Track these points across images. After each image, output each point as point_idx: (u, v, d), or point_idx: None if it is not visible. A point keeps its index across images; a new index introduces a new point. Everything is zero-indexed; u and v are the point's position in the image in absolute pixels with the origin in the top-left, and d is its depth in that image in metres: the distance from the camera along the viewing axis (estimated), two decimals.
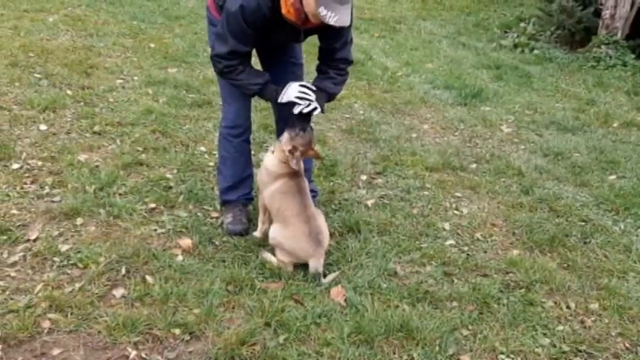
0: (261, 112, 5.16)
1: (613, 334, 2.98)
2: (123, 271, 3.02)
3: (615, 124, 6.00)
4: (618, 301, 3.21)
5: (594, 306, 3.16)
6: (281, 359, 2.58)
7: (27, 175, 3.80)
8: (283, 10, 2.92)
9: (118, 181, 3.84)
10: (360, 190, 4.20)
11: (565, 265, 3.53)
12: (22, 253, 3.07)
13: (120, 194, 3.71)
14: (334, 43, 3.20)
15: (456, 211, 4.03)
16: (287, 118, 3.30)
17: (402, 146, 4.99)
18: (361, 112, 5.75)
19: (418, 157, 4.79)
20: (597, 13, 8.90)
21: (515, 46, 8.95)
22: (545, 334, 2.92)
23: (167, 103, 5.25)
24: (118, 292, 2.88)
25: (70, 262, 3.04)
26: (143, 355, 2.54)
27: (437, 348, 2.73)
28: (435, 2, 12.15)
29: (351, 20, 2.97)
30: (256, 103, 5.23)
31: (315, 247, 3.10)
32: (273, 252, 3.23)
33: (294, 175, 3.23)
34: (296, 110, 3.14)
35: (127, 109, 4.99)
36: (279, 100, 3.18)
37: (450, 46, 8.85)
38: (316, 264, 3.11)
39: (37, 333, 2.58)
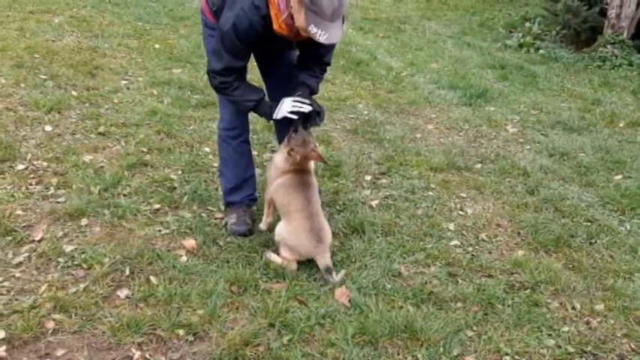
0: None
1: (618, 335, 2.97)
2: (127, 271, 3.03)
3: (621, 124, 5.97)
4: (624, 302, 3.19)
5: (600, 307, 3.15)
6: None
7: (32, 175, 3.81)
8: (275, 26, 2.93)
9: (123, 181, 3.85)
10: (365, 190, 4.20)
11: (570, 265, 3.52)
12: (26, 254, 3.08)
13: (124, 195, 3.72)
14: (322, 50, 3.21)
15: (460, 212, 4.02)
16: (283, 128, 3.36)
17: (407, 146, 4.98)
18: (365, 112, 5.74)
19: (423, 158, 4.78)
20: (603, 13, 8.86)
21: (521, 45, 8.92)
22: (550, 335, 2.91)
23: (172, 103, 5.26)
24: (122, 292, 2.88)
25: (75, 262, 3.05)
26: (147, 356, 2.54)
27: (441, 349, 2.72)
28: (439, 2, 12.13)
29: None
30: None
31: (317, 243, 3.10)
32: (277, 252, 3.23)
33: (300, 171, 3.24)
34: (294, 116, 3.18)
35: (132, 110, 5.00)
36: (274, 117, 3.20)
37: (455, 46, 8.83)
38: (323, 260, 3.11)
39: (42, 333, 2.58)
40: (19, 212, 3.41)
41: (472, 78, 7.12)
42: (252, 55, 3.32)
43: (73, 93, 5.16)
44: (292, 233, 3.15)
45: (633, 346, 2.90)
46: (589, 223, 4.00)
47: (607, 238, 3.81)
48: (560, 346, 2.84)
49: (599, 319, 3.06)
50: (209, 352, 2.60)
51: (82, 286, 2.88)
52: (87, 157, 4.12)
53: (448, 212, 4.00)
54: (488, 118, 5.88)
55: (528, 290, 3.23)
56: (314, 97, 3.31)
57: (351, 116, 5.60)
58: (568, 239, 3.75)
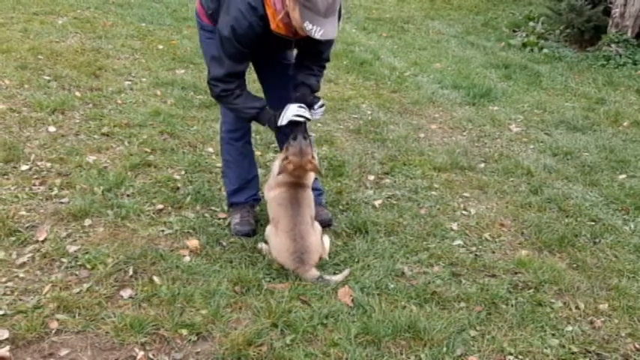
0: None
1: (623, 334, 2.95)
2: (130, 271, 3.03)
3: (625, 123, 5.95)
4: (628, 301, 3.17)
5: (604, 306, 3.14)
6: None
7: (36, 176, 3.82)
8: (272, 26, 2.94)
9: (126, 182, 3.85)
10: (368, 190, 4.19)
11: (574, 265, 3.51)
12: (30, 254, 3.09)
13: (128, 195, 3.73)
14: (321, 47, 3.21)
15: (464, 211, 4.02)
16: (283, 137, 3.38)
17: (410, 146, 4.98)
18: (369, 112, 5.74)
19: (426, 157, 4.77)
20: (607, 12, 8.84)
21: (524, 45, 8.90)
22: (553, 335, 2.90)
23: (175, 104, 5.27)
24: (126, 292, 2.89)
25: (78, 263, 3.06)
26: (150, 356, 2.55)
27: (444, 349, 2.71)
28: (443, 2, 12.12)
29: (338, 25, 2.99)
30: None
31: (297, 264, 3.11)
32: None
33: (294, 185, 3.22)
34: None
35: (135, 111, 5.01)
36: (278, 124, 3.18)
37: (459, 45, 8.82)
38: (307, 277, 3.11)
39: (45, 333, 2.59)
40: (23, 213, 3.42)
41: (476, 77, 7.11)
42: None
43: (77, 94, 5.18)
44: (275, 249, 3.17)
45: (637, 346, 2.88)
46: (593, 223, 3.99)
47: (611, 238, 3.80)
48: (563, 346, 2.83)
49: (603, 319, 3.05)
50: (212, 351, 2.60)
51: (85, 286, 2.89)
52: (90, 158, 4.13)
53: (451, 212, 4.00)
54: (492, 117, 5.87)
55: (532, 290, 3.22)
56: (316, 94, 3.30)
57: (355, 116, 5.60)
58: (572, 239, 3.74)
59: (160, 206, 3.66)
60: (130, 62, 6.23)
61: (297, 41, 3.14)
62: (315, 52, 3.25)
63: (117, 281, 2.96)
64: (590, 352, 2.82)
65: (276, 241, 3.18)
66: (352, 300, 2.98)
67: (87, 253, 3.13)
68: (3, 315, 2.65)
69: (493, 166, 4.78)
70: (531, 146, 5.28)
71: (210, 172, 4.17)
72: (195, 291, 2.92)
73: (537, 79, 7.35)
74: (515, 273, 3.38)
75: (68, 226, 3.36)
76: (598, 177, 4.67)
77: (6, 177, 3.78)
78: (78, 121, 4.70)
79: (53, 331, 2.60)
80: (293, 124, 3.18)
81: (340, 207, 3.90)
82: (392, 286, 3.13)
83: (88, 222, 3.40)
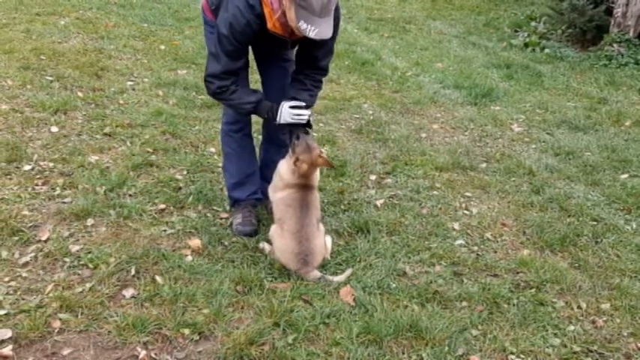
0: None
1: (625, 334, 2.95)
2: (133, 271, 3.04)
3: (627, 123, 5.95)
4: (630, 301, 3.17)
5: (606, 306, 3.13)
6: (290, 359, 2.58)
7: (38, 176, 3.83)
8: (269, 25, 2.97)
9: (128, 182, 3.86)
10: (370, 190, 4.20)
11: (576, 264, 3.51)
12: (33, 254, 3.10)
13: (130, 195, 3.74)
14: (318, 52, 3.22)
15: (465, 211, 4.02)
16: (273, 126, 3.40)
17: (412, 146, 4.98)
18: (370, 112, 5.74)
19: (428, 157, 4.77)
20: (609, 12, 8.84)
21: (526, 45, 8.90)
22: (555, 335, 2.90)
23: (177, 104, 5.27)
24: (128, 292, 2.90)
25: (81, 262, 3.07)
26: (152, 355, 2.55)
27: (446, 348, 2.71)
28: (444, 2, 12.12)
29: (336, 32, 3.01)
30: None
31: (301, 266, 3.11)
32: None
33: (303, 186, 3.22)
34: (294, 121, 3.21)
35: (138, 111, 5.02)
36: (276, 122, 3.22)
37: (460, 45, 8.82)
38: (309, 277, 3.12)
39: (48, 333, 2.60)
40: (26, 212, 3.43)
41: (477, 77, 7.11)
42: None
43: (79, 94, 5.19)
44: (280, 249, 3.17)
45: (639, 345, 2.88)
46: (595, 222, 3.99)
47: (613, 237, 3.80)
48: (565, 345, 2.83)
49: (605, 318, 3.05)
50: (214, 351, 2.61)
51: (87, 285, 2.89)
52: (93, 158, 4.14)
53: (453, 212, 4.00)
54: (494, 117, 5.87)
55: (534, 289, 3.22)
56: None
57: (356, 116, 5.60)
58: (574, 238, 3.74)
59: (162, 206, 3.66)
60: (132, 63, 6.24)
61: (294, 43, 3.16)
62: (313, 58, 3.24)
63: (119, 281, 2.96)
64: (592, 352, 2.81)
65: (280, 242, 3.17)
66: (354, 299, 2.98)
67: (89, 252, 3.14)
68: (6, 314, 2.66)
69: (495, 165, 4.78)
70: (533, 146, 5.28)
71: (212, 172, 4.17)
72: (198, 290, 2.93)
73: (539, 78, 7.35)
74: (517, 272, 3.38)
75: (71, 225, 3.37)
76: (600, 177, 4.67)
77: (9, 177, 3.79)
78: (80, 121, 4.71)
79: (56, 331, 2.61)
80: (292, 125, 3.21)
81: (342, 207, 3.91)
82: (394, 285, 3.13)
83: (90, 222, 3.41)
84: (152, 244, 3.28)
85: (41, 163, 3.98)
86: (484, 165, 4.78)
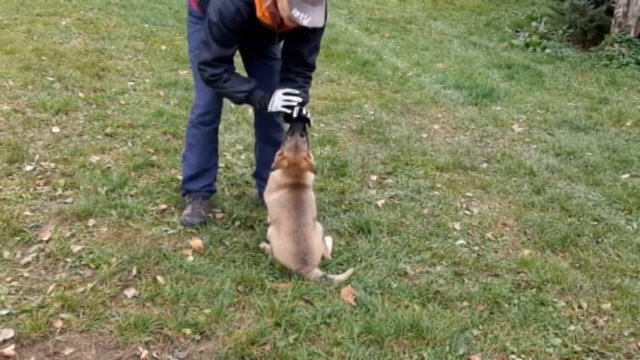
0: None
1: (626, 334, 2.95)
2: (134, 271, 3.04)
3: (628, 123, 5.95)
4: (631, 300, 3.17)
5: (606, 306, 3.14)
6: (291, 359, 2.58)
7: (40, 177, 3.84)
8: (258, 14, 2.98)
9: (130, 182, 3.87)
10: (371, 190, 4.20)
11: (577, 264, 3.51)
12: (35, 254, 3.10)
13: (131, 195, 3.74)
14: (304, 48, 3.23)
15: (466, 211, 4.02)
16: (265, 124, 3.48)
17: (413, 146, 4.98)
18: (371, 112, 5.75)
19: (428, 157, 4.78)
20: (609, 12, 8.83)
21: (527, 45, 8.90)
22: (556, 334, 2.90)
23: (178, 105, 5.28)
24: (130, 292, 2.90)
25: (82, 262, 3.07)
26: (154, 355, 2.56)
27: (447, 348, 2.72)
28: (445, 2, 12.12)
29: (324, 25, 3.03)
30: None
31: (300, 265, 3.11)
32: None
33: (295, 186, 3.22)
34: (290, 110, 3.20)
35: (139, 111, 5.03)
36: (268, 110, 3.22)
37: (461, 45, 8.82)
38: (309, 276, 3.12)
39: (50, 333, 2.60)
40: (27, 213, 3.44)
41: (478, 78, 7.11)
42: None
43: (80, 95, 5.20)
44: (278, 250, 3.17)
45: None
46: (596, 222, 3.99)
47: (614, 237, 3.80)
48: (566, 345, 2.83)
49: (605, 318, 3.05)
50: (215, 351, 2.61)
51: (89, 285, 2.90)
52: (94, 158, 4.15)
53: (454, 212, 4.00)
54: (495, 117, 5.87)
55: (534, 289, 3.22)
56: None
57: (357, 116, 5.61)
58: (574, 238, 3.74)
59: (164, 206, 3.67)
60: (133, 63, 6.24)
61: (281, 36, 3.18)
62: (299, 56, 3.25)
63: (121, 281, 2.97)
64: (592, 352, 2.82)
65: (278, 243, 3.17)
66: (355, 299, 2.99)
67: (91, 252, 3.14)
68: (8, 314, 2.67)
69: (496, 166, 4.78)
70: (534, 146, 5.28)
71: None
72: (199, 290, 2.93)
73: (540, 79, 7.35)
74: (518, 272, 3.38)
75: (72, 225, 3.38)
76: (601, 177, 4.67)
77: (10, 177, 3.79)
78: (81, 121, 4.72)
79: (58, 330, 2.62)
80: (295, 120, 3.20)
81: (343, 207, 3.91)
82: (395, 285, 3.14)
83: (92, 222, 3.42)
84: (153, 244, 3.29)
85: (43, 164, 3.99)
86: (485, 165, 4.79)
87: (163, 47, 6.89)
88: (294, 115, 3.19)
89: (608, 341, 2.89)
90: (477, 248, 3.60)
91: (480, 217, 3.95)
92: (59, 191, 3.69)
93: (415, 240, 3.58)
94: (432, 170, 4.56)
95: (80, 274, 2.99)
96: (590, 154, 5.13)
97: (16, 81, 5.25)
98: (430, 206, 4.03)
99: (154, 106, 5.15)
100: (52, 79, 5.44)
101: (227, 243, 3.40)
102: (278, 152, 3.25)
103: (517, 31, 9.79)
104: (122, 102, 5.19)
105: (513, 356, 2.74)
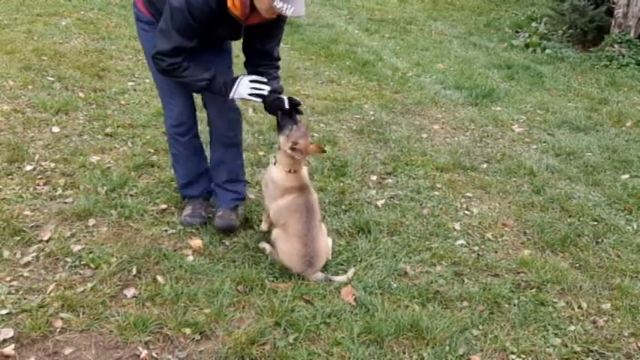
0: None
1: (625, 334, 2.95)
2: (134, 271, 3.04)
3: (628, 124, 5.95)
4: (631, 301, 3.18)
5: (606, 306, 3.14)
6: (291, 359, 2.59)
7: (40, 176, 3.84)
8: (229, 3, 2.85)
9: (130, 182, 3.87)
10: (370, 190, 4.20)
11: (577, 265, 3.51)
12: (34, 254, 3.10)
13: (131, 195, 3.74)
14: (271, 43, 3.20)
15: (466, 211, 4.02)
16: (214, 110, 3.36)
17: (413, 146, 4.98)
18: (371, 112, 5.75)
19: (428, 158, 4.78)
20: (609, 12, 8.83)
21: (527, 45, 8.89)
22: (556, 334, 2.90)
23: None
24: (129, 292, 2.90)
25: (82, 262, 3.07)
26: (154, 355, 2.56)
27: (447, 348, 2.72)
28: (445, 3, 12.12)
29: (286, 19, 3.01)
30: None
31: (306, 267, 3.11)
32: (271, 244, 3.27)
33: (302, 189, 3.20)
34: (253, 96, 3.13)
35: (139, 111, 5.03)
36: (230, 97, 3.12)
37: (461, 46, 8.82)
38: (312, 278, 3.12)
39: (50, 332, 2.60)
40: (28, 212, 3.44)
41: (478, 78, 7.11)
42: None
43: (81, 94, 5.20)
44: (285, 253, 3.15)
45: None
46: (595, 223, 3.99)
47: (614, 238, 3.80)
48: (566, 345, 2.83)
49: (605, 318, 3.05)
50: (215, 350, 2.61)
51: (89, 285, 2.90)
52: (94, 158, 4.15)
53: (454, 212, 4.00)
54: (495, 117, 5.87)
55: (534, 289, 3.22)
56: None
57: (357, 116, 5.61)
58: (574, 239, 3.74)
59: (164, 206, 3.67)
60: (134, 63, 6.25)
61: (246, 30, 3.06)
62: (263, 51, 3.20)
63: (121, 280, 2.97)
64: (592, 352, 2.82)
65: (285, 245, 3.15)
66: (355, 299, 2.99)
67: (91, 252, 3.14)
68: (8, 314, 2.67)
69: (495, 166, 4.78)
70: (534, 146, 5.28)
71: None
72: (199, 290, 2.93)
73: (540, 79, 7.35)
74: (518, 272, 3.38)
75: (72, 225, 3.38)
76: (601, 177, 4.67)
77: (10, 177, 3.80)
78: (82, 121, 4.72)
79: (57, 330, 2.62)
80: (286, 114, 3.16)
81: (343, 207, 3.91)
82: (395, 285, 3.14)
83: (92, 222, 3.42)
84: (153, 244, 3.29)
85: (43, 164, 3.99)
86: (485, 165, 4.79)
87: None
88: (286, 105, 3.14)
89: (607, 341, 2.89)
90: (476, 248, 3.60)
91: (479, 217, 3.95)
92: (59, 191, 3.70)
93: (415, 240, 3.59)
94: (432, 170, 4.56)
95: (80, 274, 2.99)
96: (590, 154, 5.13)
97: (16, 81, 5.26)
98: (430, 206, 4.03)
99: (154, 106, 5.14)
100: (52, 79, 5.44)
101: (227, 243, 3.40)
102: (284, 141, 3.16)
103: (517, 32, 9.79)
104: (122, 102, 5.19)
105: (513, 356, 2.74)
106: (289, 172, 3.19)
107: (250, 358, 2.58)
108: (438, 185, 4.35)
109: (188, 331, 2.69)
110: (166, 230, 3.44)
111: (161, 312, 2.78)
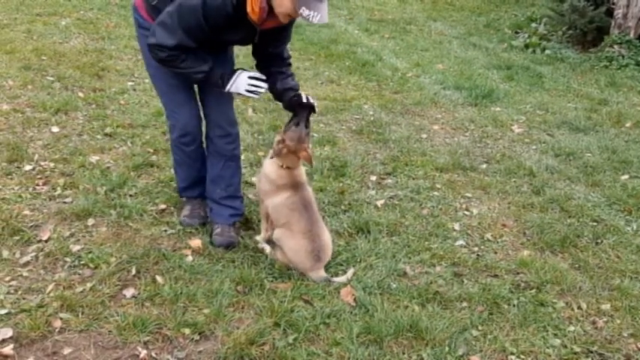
0: (270, 113, 5.18)
1: (625, 335, 2.95)
2: (133, 271, 3.04)
3: (628, 124, 5.95)
4: (630, 301, 3.17)
5: (606, 307, 3.13)
6: (290, 359, 2.58)
7: (39, 176, 3.84)
8: (248, 9, 2.82)
9: (129, 182, 3.87)
10: (370, 190, 4.20)
11: (576, 265, 3.51)
12: (34, 254, 3.10)
13: (131, 195, 3.74)
14: (282, 45, 3.20)
15: (466, 212, 4.02)
16: (213, 107, 3.33)
17: (412, 147, 4.98)
18: (371, 112, 5.75)
19: (428, 158, 4.77)
20: (609, 13, 8.83)
21: (527, 46, 8.90)
22: (556, 335, 2.90)
23: None
24: (129, 292, 2.90)
25: (81, 262, 3.07)
26: (153, 355, 2.55)
27: (446, 348, 2.72)
28: (445, 3, 12.12)
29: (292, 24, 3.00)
30: (266, 104, 5.26)
31: (314, 262, 3.11)
32: (271, 244, 3.27)
33: (297, 185, 3.20)
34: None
35: (138, 111, 5.03)
36: (226, 89, 3.08)
37: (461, 46, 8.82)
38: (316, 276, 3.12)
39: (49, 332, 2.60)
40: (27, 212, 3.43)
41: (478, 78, 7.11)
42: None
43: (80, 94, 5.20)
44: (292, 250, 3.14)
45: None
46: (595, 223, 3.99)
47: (613, 238, 3.80)
48: (566, 346, 2.83)
49: (605, 319, 3.05)
50: (215, 351, 2.61)
51: (88, 285, 2.90)
52: (93, 158, 4.14)
53: (453, 212, 4.00)
54: (494, 118, 5.87)
55: (534, 290, 3.22)
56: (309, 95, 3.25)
57: (357, 117, 5.61)
58: (574, 239, 3.74)
59: (163, 206, 3.67)
60: (133, 63, 6.24)
61: (261, 35, 3.02)
62: (275, 54, 3.20)
63: (120, 280, 2.97)
64: (592, 352, 2.82)
65: (292, 243, 3.14)
66: (354, 299, 2.99)
67: (90, 252, 3.14)
68: (7, 314, 2.67)
69: (495, 166, 4.78)
70: (533, 147, 5.28)
71: None
72: (198, 290, 2.93)
73: (540, 80, 7.35)
74: (518, 273, 3.38)
75: (71, 225, 3.38)
76: (600, 178, 4.67)
77: (10, 177, 3.79)
78: (81, 121, 4.72)
79: (57, 330, 2.62)
80: (299, 108, 3.13)
81: (342, 207, 3.91)
82: (394, 285, 3.14)
83: (91, 222, 3.42)
84: (153, 244, 3.29)
85: (42, 163, 3.99)
86: (484, 166, 4.79)
87: None
88: (304, 99, 3.11)
89: (607, 342, 2.89)
90: (476, 249, 3.60)
91: (479, 217, 3.95)
92: (58, 191, 3.69)
93: (415, 240, 3.58)
94: (432, 171, 4.56)
95: (79, 274, 2.99)
96: (589, 154, 5.13)
97: (15, 81, 5.25)
98: (430, 207, 4.03)
99: (154, 106, 5.14)
100: (51, 78, 5.44)
101: None
102: (277, 138, 3.18)
103: (517, 32, 9.79)
104: (122, 102, 5.19)
105: (513, 357, 2.74)
106: (282, 167, 3.19)
107: (249, 359, 2.57)
108: (438, 185, 4.35)
109: (187, 331, 2.68)
110: (166, 230, 3.44)
111: (160, 312, 2.78)
